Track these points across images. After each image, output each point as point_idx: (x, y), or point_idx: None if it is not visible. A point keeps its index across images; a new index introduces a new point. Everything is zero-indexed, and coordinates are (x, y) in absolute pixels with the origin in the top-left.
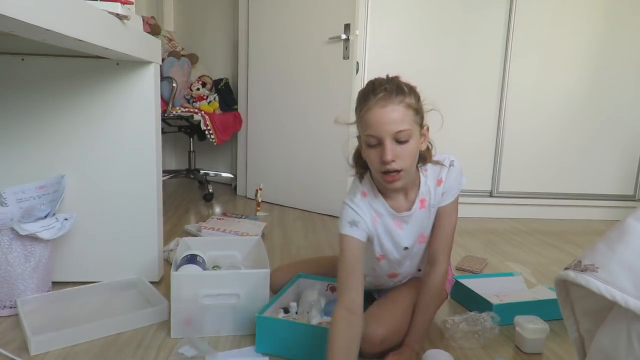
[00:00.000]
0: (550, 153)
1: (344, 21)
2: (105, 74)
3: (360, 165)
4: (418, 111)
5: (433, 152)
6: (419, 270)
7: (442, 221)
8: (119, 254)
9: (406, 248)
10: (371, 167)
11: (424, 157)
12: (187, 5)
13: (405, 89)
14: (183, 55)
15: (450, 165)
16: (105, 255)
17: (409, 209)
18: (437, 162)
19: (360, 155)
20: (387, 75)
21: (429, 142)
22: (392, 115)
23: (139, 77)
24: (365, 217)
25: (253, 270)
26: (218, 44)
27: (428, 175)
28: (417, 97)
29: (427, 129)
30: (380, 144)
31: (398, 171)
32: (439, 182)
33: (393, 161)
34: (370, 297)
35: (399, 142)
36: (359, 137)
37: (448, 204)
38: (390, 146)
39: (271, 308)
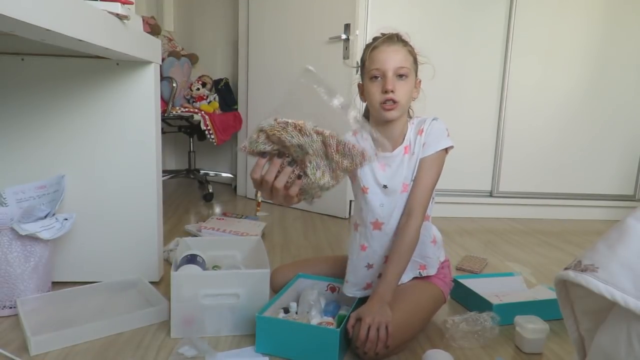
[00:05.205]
0: (551, 153)
1: (344, 21)
2: (105, 74)
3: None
4: (416, 61)
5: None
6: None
7: (421, 174)
8: (119, 254)
9: (385, 186)
10: (371, 101)
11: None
12: (187, 5)
13: (407, 40)
14: (183, 55)
15: (433, 119)
16: (105, 255)
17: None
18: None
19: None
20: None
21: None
22: (396, 54)
23: (139, 77)
24: None
25: (253, 270)
26: (218, 44)
27: (413, 127)
28: (415, 53)
29: (420, 82)
30: (383, 77)
31: (395, 102)
32: (420, 132)
33: (392, 91)
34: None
35: (400, 77)
36: (359, 85)
37: (428, 157)
38: (392, 78)
39: (271, 308)
